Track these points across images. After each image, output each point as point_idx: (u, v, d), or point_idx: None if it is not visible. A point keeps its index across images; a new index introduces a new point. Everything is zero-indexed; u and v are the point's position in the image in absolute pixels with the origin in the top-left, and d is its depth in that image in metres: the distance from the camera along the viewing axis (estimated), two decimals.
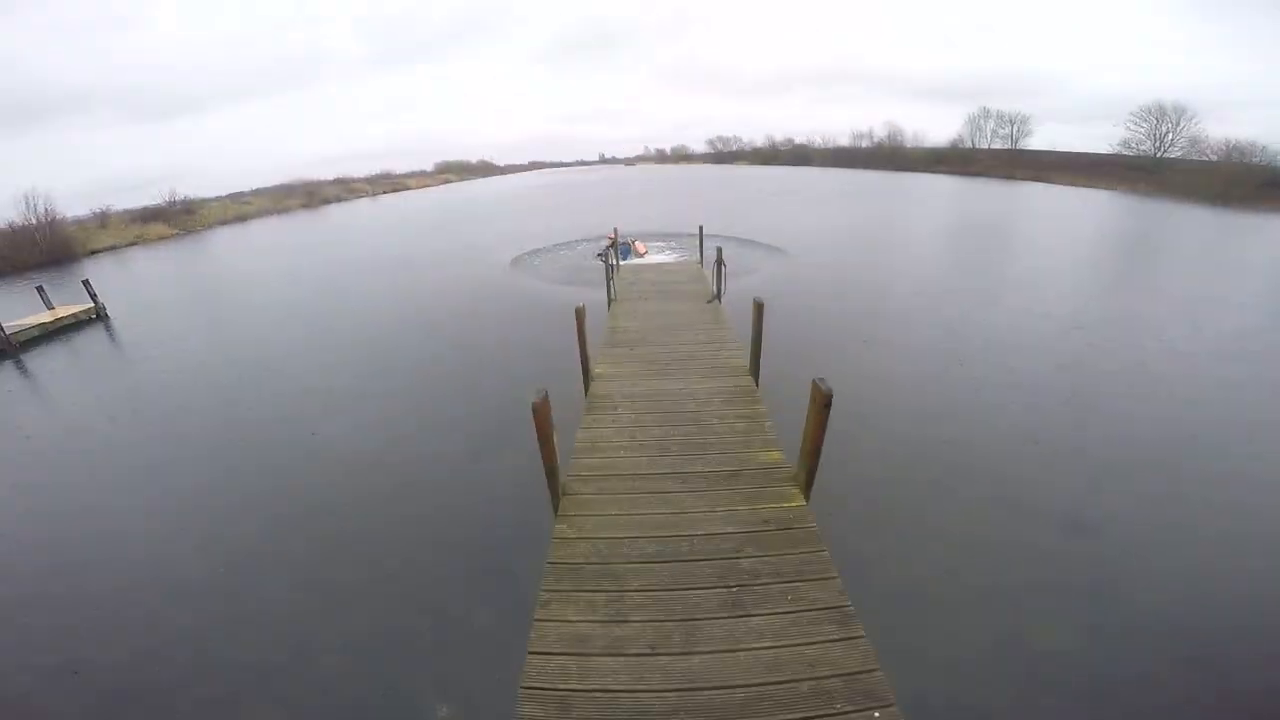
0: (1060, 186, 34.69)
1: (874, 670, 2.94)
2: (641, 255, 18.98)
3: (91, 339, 14.35)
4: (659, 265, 15.78)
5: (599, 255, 11.50)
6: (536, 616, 3.40)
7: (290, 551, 5.82)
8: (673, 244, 21.42)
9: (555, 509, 4.37)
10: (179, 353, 12.75)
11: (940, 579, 4.94)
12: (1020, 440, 7.19)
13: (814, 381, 4.00)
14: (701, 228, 15.55)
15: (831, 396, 3.89)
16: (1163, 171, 33.02)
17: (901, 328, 11.74)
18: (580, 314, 6.70)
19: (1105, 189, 31.96)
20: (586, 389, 6.74)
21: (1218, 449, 6.86)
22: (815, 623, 3.25)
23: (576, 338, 6.69)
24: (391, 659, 4.41)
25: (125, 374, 11.98)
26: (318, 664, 4.45)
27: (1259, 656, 4.16)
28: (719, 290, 10.29)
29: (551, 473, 4.24)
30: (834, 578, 3.55)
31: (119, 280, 23.10)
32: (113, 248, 32.61)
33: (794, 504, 4.27)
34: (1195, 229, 21.23)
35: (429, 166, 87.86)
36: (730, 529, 4.05)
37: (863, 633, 3.16)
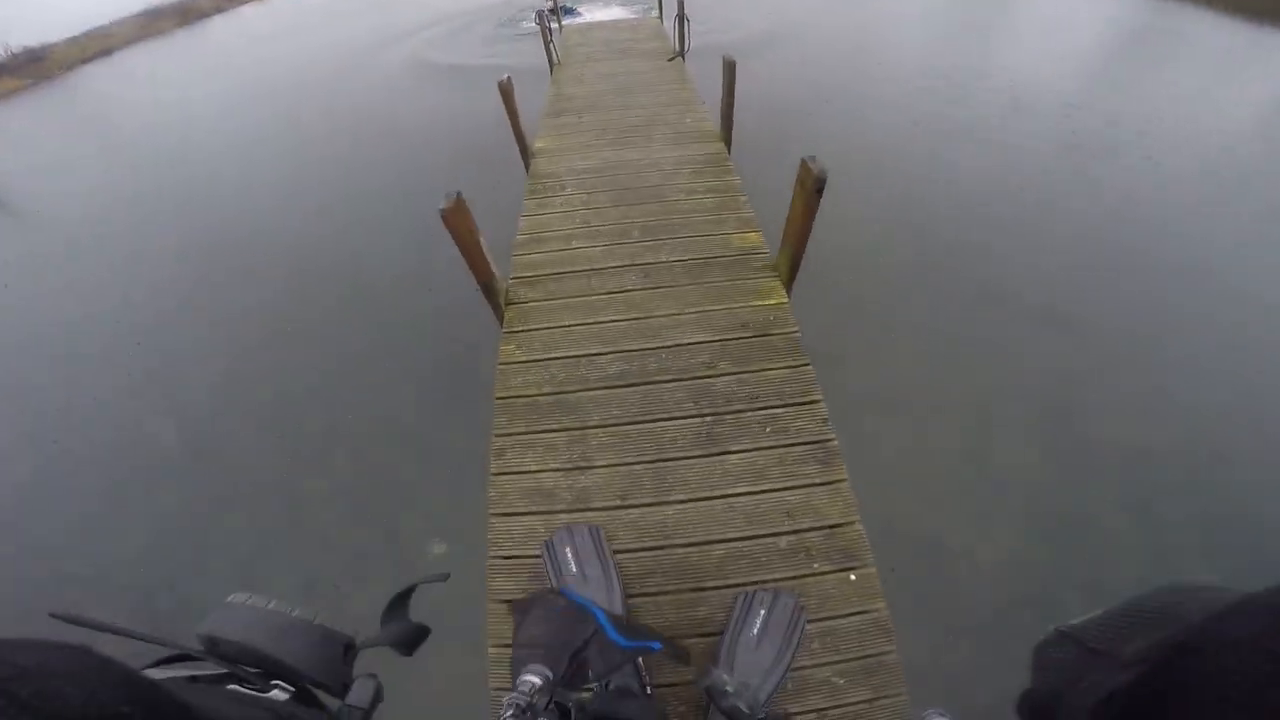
0: None
1: (853, 522, 2.82)
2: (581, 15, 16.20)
3: None
4: (611, 23, 13.03)
5: (535, 17, 9.23)
6: (493, 470, 3.09)
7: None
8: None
9: (501, 323, 3.76)
10: (77, 206, 10.55)
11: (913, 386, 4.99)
12: (1003, 223, 7.00)
13: (803, 160, 3.16)
14: None
15: (825, 179, 3.08)
16: None
17: (885, 98, 10.53)
18: (505, 89, 5.30)
19: None
20: (528, 168, 5.61)
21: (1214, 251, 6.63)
22: (796, 461, 3.03)
23: (507, 117, 5.42)
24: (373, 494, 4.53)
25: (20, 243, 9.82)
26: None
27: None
28: (682, 47, 8.70)
29: (488, 287, 3.54)
30: (818, 401, 3.24)
31: None
32: None
33: (773, 301, 3.75)
34: (1221, 37, 17.27)
35: None
36: (702, 337, 3.58)
37: (845, 474, 2.97)
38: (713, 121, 6.21)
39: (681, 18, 8.53)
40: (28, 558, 4.42)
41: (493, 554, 2.80)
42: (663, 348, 3.51)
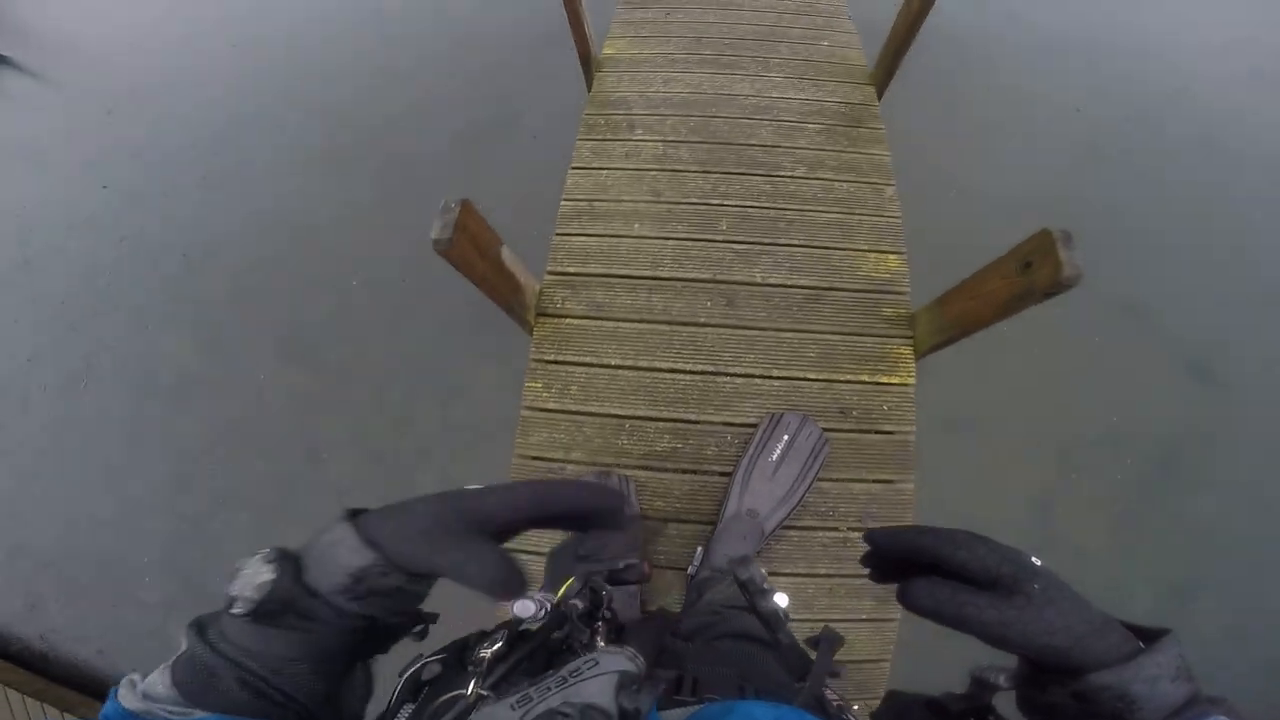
0: None
1: (884, 660, 2.56)
2: None
3: None
4: None
5: None
6: None
7: None
8: None
9: (529, 331, 2.99)
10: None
11: None
12: None
13: (1049, 233, 1.77)
14: None
15: (1072, 284, 1.75)
16: None
17: None
18: None
19: None
20: (589, 85, 3.81)
21: None
22: (850, 595, 2.63)
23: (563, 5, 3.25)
24: None
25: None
26: None
27: None
28: None
29: (511, 306, 2.70)
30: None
31: None
32: None
33: (895, 380, 2.85)
34: None
35: None
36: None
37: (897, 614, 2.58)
38: (862, 49, 4.14)
39: None
40: None
41: None
42: (729, 426, 2.81)
